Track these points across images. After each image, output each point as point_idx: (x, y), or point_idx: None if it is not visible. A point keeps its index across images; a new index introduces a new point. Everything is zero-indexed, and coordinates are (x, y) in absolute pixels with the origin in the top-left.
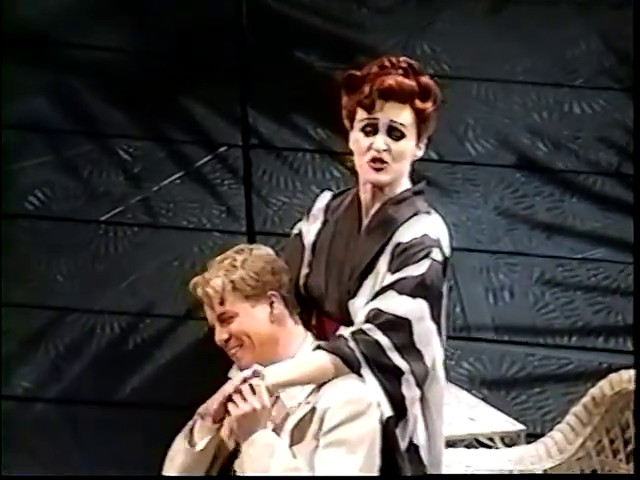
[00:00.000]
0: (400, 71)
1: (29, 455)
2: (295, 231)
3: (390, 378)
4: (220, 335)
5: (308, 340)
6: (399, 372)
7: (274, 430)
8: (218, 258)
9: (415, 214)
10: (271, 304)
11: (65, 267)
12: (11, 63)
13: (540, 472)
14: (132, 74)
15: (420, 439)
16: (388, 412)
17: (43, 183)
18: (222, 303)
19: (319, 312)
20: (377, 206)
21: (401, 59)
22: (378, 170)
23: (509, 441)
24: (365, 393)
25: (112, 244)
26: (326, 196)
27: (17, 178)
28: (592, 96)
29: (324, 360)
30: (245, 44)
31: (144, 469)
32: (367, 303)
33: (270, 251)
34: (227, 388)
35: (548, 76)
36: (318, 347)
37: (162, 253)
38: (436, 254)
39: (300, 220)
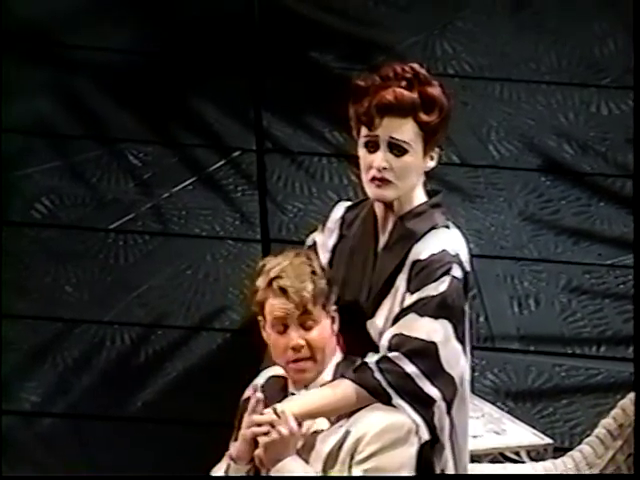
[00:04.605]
0: (403, 82)
1: (36, 471)
2: (309, 242)
3: (422, 407)
4: (296, 340)
5: (337, 355)
6: (431, 401)
7: (302, 452)
8: (291, 257)
9: (432, 228)
10: (332, 318)
11: (73, 277)
12: (17, 65)
13: None
14: (142, 76)
15: (449, 466)
16: (426, 436)
17: (50, 190)
18: (315, 305)
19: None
20: (393, 221)
21: (407, 68)
22: (380, 186)
23: (536, 455)
24: (405, 419)
25: (122, 253)
26: (341, 208)
27: (23, 185)
28: (620, 96)
29: (350, 391)
30: (259, 44)
31: None
32: (386, 323)
33: None
34: (250, 423)
35: (574, 75)
36: (343, 376)
37: (174, 262)
38: (456, 270)
39: (315, 230)
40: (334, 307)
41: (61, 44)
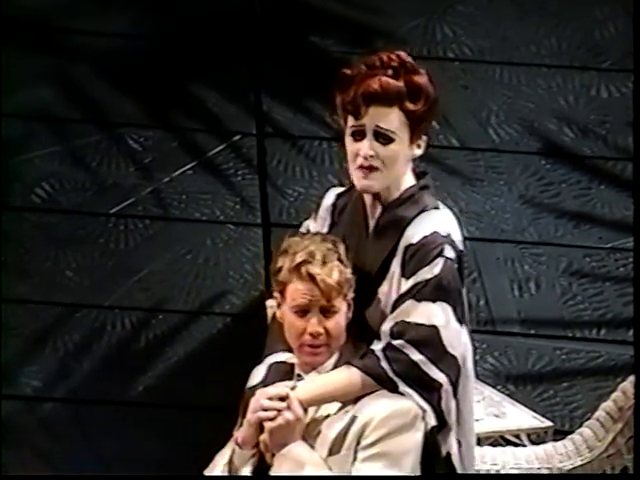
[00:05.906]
0: (389, 71)
1: (36, 456)
2: (302, 230)
3: (429, 393)
4: (317, 327)
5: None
6: (437, 385)
7: (307, 438)
8: (318, 242)
9: (422, 211)
10: (349, 305)
11: (74, 262)
12: (17, 50)
13: (569, 469)
14: (142, 61)
15: (453, 447)
16: (432, 422)
17: (50, 175)
18: (339, 294)
19: None
20: (382, 207)
21: (393, 56)
22: (366, 177)
23: (536, 438)
24: (411, 405)
25: (122, 237)
26: (332, 195)
27: (23, 170)
28: (620, 79)
29: (356, 378)
30: (259, 29)
31: (155, 470)
32: (384, 309)
33: None
34: (256, 408)
35: (574, 59)
36: (349, 363)
37: (174, 246)
38: (448, 251)
39: (308, 217)
40: (352, 295)
41: (61, 28)
